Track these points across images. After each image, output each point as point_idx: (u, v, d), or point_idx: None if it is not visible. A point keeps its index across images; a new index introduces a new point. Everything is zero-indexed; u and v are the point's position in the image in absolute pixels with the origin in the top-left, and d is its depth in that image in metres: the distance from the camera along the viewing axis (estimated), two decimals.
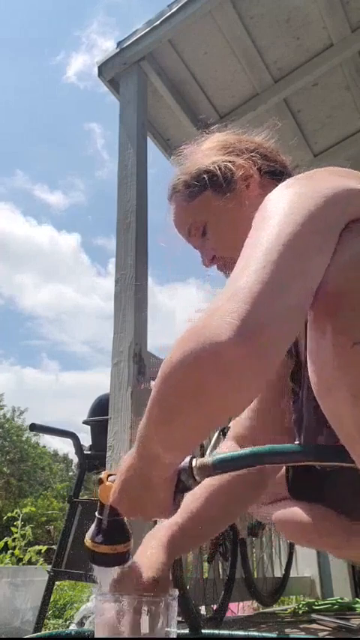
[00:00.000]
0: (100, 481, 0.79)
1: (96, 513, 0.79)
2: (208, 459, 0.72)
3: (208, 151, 1.01)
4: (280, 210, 0.64)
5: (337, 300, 0.59)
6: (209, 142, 1.04)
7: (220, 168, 0.96)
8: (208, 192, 0.97)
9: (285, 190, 0.68)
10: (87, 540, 0.79)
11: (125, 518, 0.78)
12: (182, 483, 0.73)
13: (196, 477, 0.72)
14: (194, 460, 0.73)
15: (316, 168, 0.76)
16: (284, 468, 1.13)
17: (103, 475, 0.79)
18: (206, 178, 0.96)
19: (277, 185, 0.72)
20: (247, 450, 0.69)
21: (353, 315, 0.58)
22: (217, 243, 0.98)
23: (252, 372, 0.55)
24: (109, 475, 0.79)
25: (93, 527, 0.79)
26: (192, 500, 0.92)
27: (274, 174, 0.98)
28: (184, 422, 0.60)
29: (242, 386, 0.56)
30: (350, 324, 0.58)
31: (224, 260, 0.98)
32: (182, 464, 0.72)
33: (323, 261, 0.60)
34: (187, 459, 0.73)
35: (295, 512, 1.03)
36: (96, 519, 0.79)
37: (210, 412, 0.58)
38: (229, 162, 0.97)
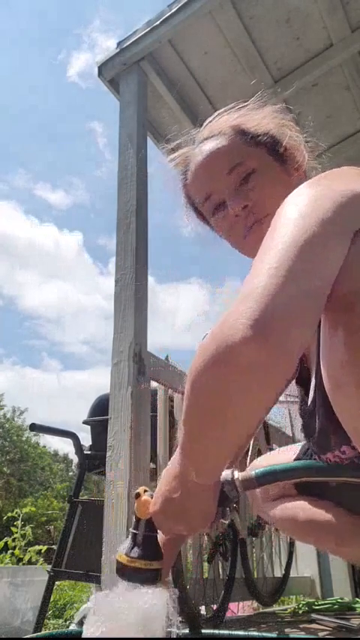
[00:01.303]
0: (137, 495, 0.79)
1: (131, 529, 0.79)
2: (250, 472, 0.73)
3: (272, 115, 0.97)
4: (296, 212, 0.64)
5: (351, 300, 0.60)
6: (268, 108, 0.99)
7: (286, 136, 0.94)
8: (265, 150, 0.93)
9: (304, 190, 0.69)
10: (121, 555, 0.77)
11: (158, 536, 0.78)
12: (225, 495, 0.74)
13: (239, 489, 0.73)
14: (236, 472, 0.74)
15: (338, 168, 0.76)
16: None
17: (140, 490, 0.79)
18: (271, 138, 0.93)
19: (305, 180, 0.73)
20: (290, 464, 0.71)
21: None
22: (257, 195, 0.90)
23: (271, 368, 0.56)
24: (145, 490, 0.80)
25: (127, 541, 0.78)
26: None
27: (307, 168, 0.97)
28: (216, 427, 0.62)
29: (264, 382, 0.57)
30: None
31: (254, 216, 0.91)
32: (224, 476, 0.73)
33: (336, 261, 0.61)
34: (229, 471, 0.73)
35: (297, 509, 1.03)
36: (131, 534, 0.78)
37: (239, 413, 0.60)
38: (290, 139, 0.95)
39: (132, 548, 0.77)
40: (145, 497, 0.78)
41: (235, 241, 0.96)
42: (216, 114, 1.01)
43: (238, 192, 0.91)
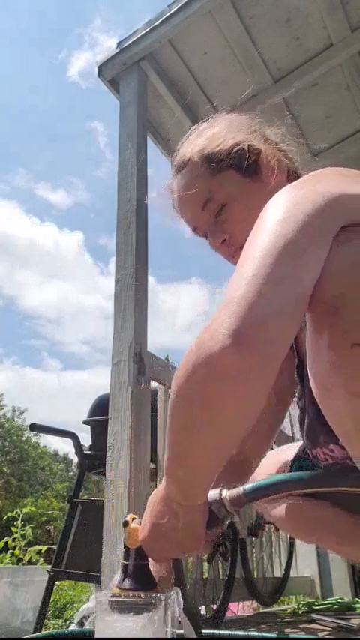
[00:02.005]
0: (125, 524, 0.77)
1: (121, 559, 0.78)
2: (239, 489, 0.72)
3: (235, 128, 0.96)
4: (274, 217, 0.64)
5: (336, 302, 0.60)
6: (231, 120, 1.00)
7: (250, 149, 0.92)
8: (232, 171, 0.92)
9: (284, 195, 0.68)
10: (113, 588, 0.76)
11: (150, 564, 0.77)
12: (214, 515, 0.72)
13: (229, 508, 0.72)
14: (224, 491, 0.72)
15: (322, 169, 0.75)
16: (286, 463, 1.14)
17: (127, 518, 0.78)
18: (235, 158, 0.92)
19: (291, 180, 0.73)
20: (278, 477, 0.70)
21: (352, 317, 0.59)
22: (232, 226, 0.93)
23: (251, 376, 0.56)
24: (134, 518, 0.78)
25: (119, 573, 0.77)
26: None
27: (289, 170, 0.96)
28: (200, 440, 0.61)
29: (245, 391, 0.57)
30: (349, 326, 0.59)
31: (235, 246, 0.93)
32: (212, 495, 0.72)
33: (317, 265, 0.61)
34: (217, 490, 0.72)
35: (298, 508, 1.03)
36: (121, 565, 0.77)
37: (223, 424, 0.59)
38: (258, 147, 0.93)
39: (123, 579, 0.75)
40: (133, 525, 0.77)
41: (228, 260, 0.99)
42: (187, 134, 1.02)
43: (214, 226, 0.94)
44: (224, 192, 0.92)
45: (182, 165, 0.97)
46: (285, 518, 1.07)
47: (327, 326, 0.60)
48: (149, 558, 0.77)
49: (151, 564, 0.82)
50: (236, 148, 0.92)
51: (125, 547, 0.77)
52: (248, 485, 0.72)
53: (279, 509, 1.07)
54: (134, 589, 0.74)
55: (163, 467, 0.69)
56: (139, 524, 0.77)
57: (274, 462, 1.10)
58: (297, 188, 0.69)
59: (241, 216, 0.92)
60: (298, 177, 0.77)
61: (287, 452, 1.12)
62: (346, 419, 0.61)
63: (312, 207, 0.63)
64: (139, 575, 0.75)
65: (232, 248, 0.94)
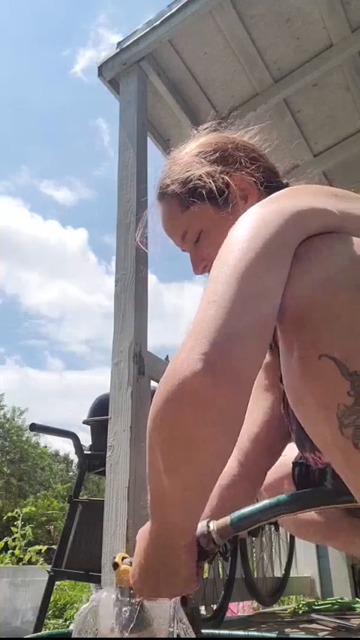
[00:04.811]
0: (115, 565, 0.76)
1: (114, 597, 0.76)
2: (225, 519, 0.71)
3: (201, 156, 0.98)
4: (239, 236, 0.64)
5: (302, 315, 0.60)
6: (201, 144, 1.01)
7: (216, 182, 0.94)
8: (203, 204, 0.95)
9: (252, 212, 0.68)
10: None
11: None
12: (202, 549, 0.71)
13: (217, 541, 0.71)
14: (211, 523, 0.71)
15: (293, 186, 0.77)
16: (289, 464, 1.14)
17: (117, 559, 0.77)
18: (202, 191, 0.94)
19: (269, 194, 0.73)
20: (263, 503, 0.70)
21: (318, 329, 0.59)
22: (210, 253, 0.96)
23: (224, 398, 0.55)
24: (123, 558, 0.77)
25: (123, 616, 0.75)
26: None
27: (267, 183, 0.96)
28: (178, 478, 0.60)
29: (221, 414, 0.56)
30: (315, 338, 0.59)
31: None
32: (199, 529, 0.71)
33: (282, 280, 0.61)
34: (204, 523, 0.71)
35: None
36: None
37: (202, 451, 0.58)
38: (227, 174, 0.94)
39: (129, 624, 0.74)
40: (123, 566, 0.76)
41: None
42: (166, 160, 1.06)
43: (195, 253, 0.99)
44: (197, 224, 0.97)
45: (159, 197, 1.02)
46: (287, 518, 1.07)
47: (295, 338, 0.60)
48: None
49: None
50: (201, 181, 0.95)
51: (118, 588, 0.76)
52: (235, 514, 0.71)
53: None
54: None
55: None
56: (130, 564, 0.75)
57: (278, 463, 1.10)
58: (263, 206, 0.69)
59: (216, 242, 0.94)
60: (278, 188, 0.78)
61: (291, 453, 1.12)
62: (321, 429, 0.61)
63: (277, 223, 0.63)
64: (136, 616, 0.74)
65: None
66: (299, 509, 0.70)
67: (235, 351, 0.56)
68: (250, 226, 0.65)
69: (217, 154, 0.98)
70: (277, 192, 0.73)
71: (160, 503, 0.65)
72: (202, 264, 0.99)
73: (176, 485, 0.61)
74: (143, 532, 0.73)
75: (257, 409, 1.06)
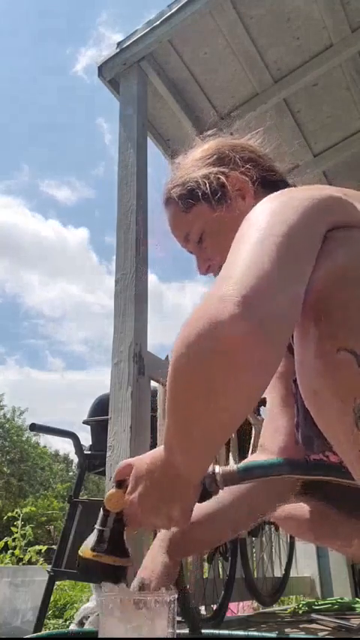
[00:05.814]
0: (117, 485, 0.75)
1: (97, 525, 0.75)
2: (233, 466, 0.72)
3: (200, 161, 1.02)
4: (263, 220, 0.64)
5: (321, 307, 0.60)
6: (202, 150, 1.04)
7: (211, 183, 0.97)
8: (201, 204, 0.98)
9: (268, 204, 0.68)
10: (85, 550, 0.74)
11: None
12: (205, 490, 0.71)
13: (220, 485, 0.71)
14: (217, 467, 0.72)
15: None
16: None
17: (112, 480, 0.77)
18: (199, 192, 0.97)
19: (267, 193, 0.73)
20: (271, 460, 0.71)
21: (338, 322, 0.59)
22: (212, 252, 0.99)
23: (258, 349, 0.52)
24: (118, 481, 0.77)
25: (93, 537, 0.75)
26: (210, 504, 0.87)
27: (268, 183, 0.98)
28: (201, 420, 0.58)
29: (251, 364, 0.53)
30: (335, 331, 0.58)
31: (219, 269, 0.97)
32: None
33: (308, 268, 0.61)
34: (210, 466, 0.71)
35: (298, 508, 1.04)
36: (97, 530, 0.75)
37: (225, 401, 0.55)
38: (222, 174, 0.97)
39: (99, 543, 0.73)
40: (114, 490, 0.75)
41: None
42: (172, 166, 1.09)
43: (198, 254, 1.02)
44: (198, 225, 0.99)
45: (165, 202, 1.06)
46: (287, 517, 1.07)
47: (313, 330, 0.60)
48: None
49: (152, 566, 0.82)
50: (199, 183, 0.98)
51: (104, 511, 0.75)
52: (242, 464, 0.72)
53: (281, 510, 1.07)
54: (109, 553, 0.72)
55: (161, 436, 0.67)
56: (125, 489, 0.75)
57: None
58: (274, 199, 0.69)
59: (220, 242, 0.95)
60: (278, 187, 0.79)
61: None
62: (335, 423, 0.60)
63: (293, 212, 0.64)
64: (114, 541, 0.73)
65: (217, 271, 0.98)
66: (303, 474, 0.71)
67: (276, 304, 0.54)
68: (269, 212, 0.65)
69: (215, 157, 1.01)
70: (285, 189, 0.74)
71: (178, 439, 0.63)
72: (206, 264, 1.01)
73: (196, 426, 0.59)
74: (153, 460, 0.71)
75: (275, 419, 1.05)
